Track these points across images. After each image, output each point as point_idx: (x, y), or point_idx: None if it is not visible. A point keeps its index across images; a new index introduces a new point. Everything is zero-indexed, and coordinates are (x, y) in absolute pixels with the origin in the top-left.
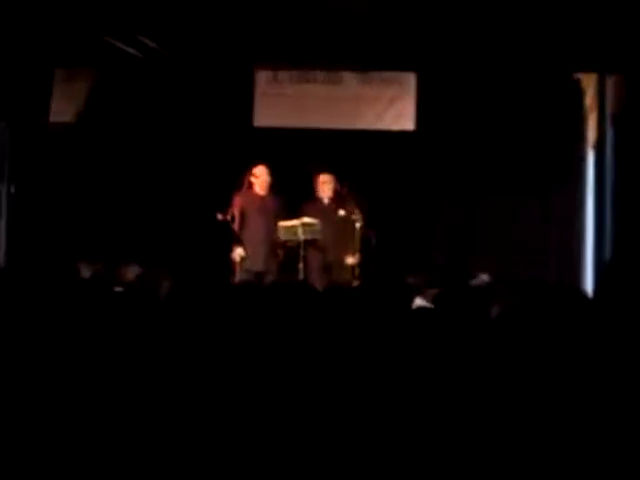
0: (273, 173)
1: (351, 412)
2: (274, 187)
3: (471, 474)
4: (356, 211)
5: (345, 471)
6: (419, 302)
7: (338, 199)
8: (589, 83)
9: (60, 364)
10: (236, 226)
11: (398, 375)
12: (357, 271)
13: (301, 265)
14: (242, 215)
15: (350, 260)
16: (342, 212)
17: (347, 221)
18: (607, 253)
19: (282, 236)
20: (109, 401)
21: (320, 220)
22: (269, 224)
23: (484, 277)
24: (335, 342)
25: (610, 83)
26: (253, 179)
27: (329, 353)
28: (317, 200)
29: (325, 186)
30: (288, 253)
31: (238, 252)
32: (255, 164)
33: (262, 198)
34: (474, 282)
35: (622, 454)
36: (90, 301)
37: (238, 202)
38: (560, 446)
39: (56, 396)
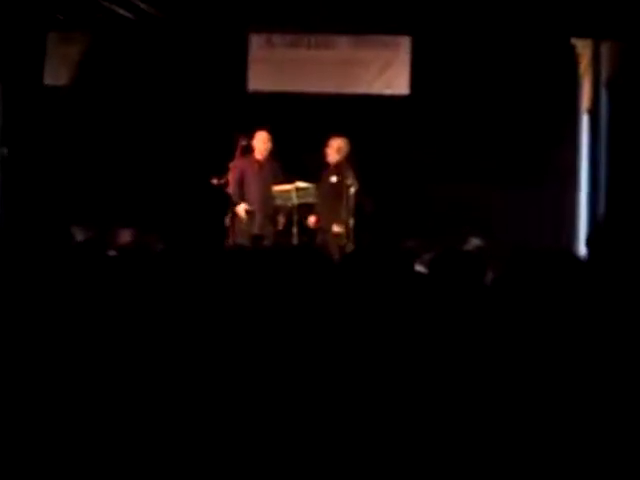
0: (273, 139)
1: (349, 377)
2: (274, 153)
3: (471, 443)
4: (351, 176)
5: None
6: (416, 268)
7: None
8: (585, 49)
9: (53, 328)
10: (232, 190)
11: (396, 343)
12: (344, 240)
13: (295, 229)
14: (241, 179)
15: (336, 228)
16: (334, 178)
17: (339, 187)
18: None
19: (277, 200)
20: (101, 365)
21: (316, 184)
22: (266, 189)
23: (476, 241)
24: (331, 306)
25: (605, 49)
26: (253, 144)
27: (324, 318)
28: (326, 165)
29: (329, 150)
30: (288, 220)
31: (243, 207)
32: (249, 128)
33: (260, 163)
34: (466, 246)
35: (621, 422)
36: (83, 265)
37: (237, 166)
38: (557, 413)
39: (49, 360)
